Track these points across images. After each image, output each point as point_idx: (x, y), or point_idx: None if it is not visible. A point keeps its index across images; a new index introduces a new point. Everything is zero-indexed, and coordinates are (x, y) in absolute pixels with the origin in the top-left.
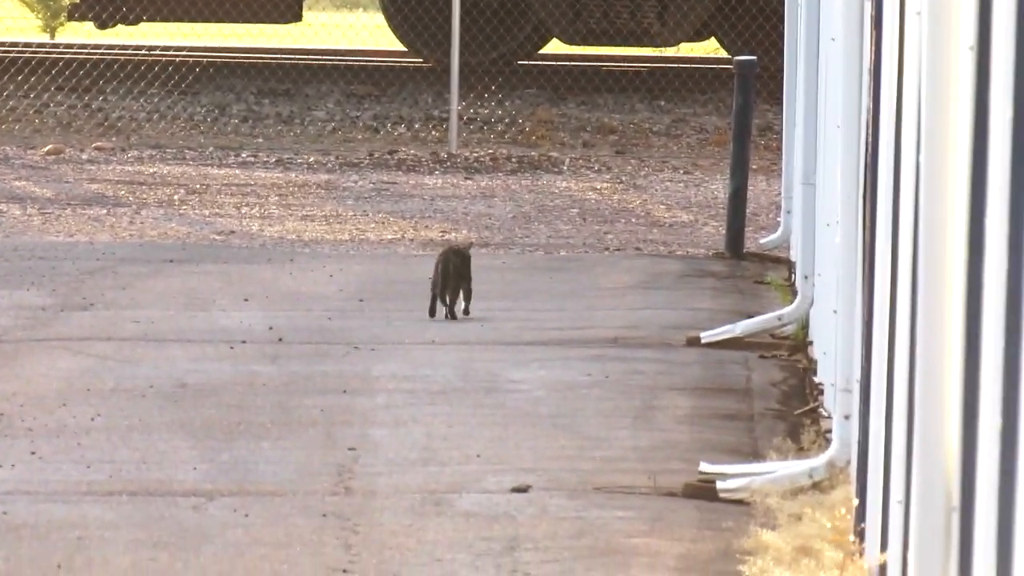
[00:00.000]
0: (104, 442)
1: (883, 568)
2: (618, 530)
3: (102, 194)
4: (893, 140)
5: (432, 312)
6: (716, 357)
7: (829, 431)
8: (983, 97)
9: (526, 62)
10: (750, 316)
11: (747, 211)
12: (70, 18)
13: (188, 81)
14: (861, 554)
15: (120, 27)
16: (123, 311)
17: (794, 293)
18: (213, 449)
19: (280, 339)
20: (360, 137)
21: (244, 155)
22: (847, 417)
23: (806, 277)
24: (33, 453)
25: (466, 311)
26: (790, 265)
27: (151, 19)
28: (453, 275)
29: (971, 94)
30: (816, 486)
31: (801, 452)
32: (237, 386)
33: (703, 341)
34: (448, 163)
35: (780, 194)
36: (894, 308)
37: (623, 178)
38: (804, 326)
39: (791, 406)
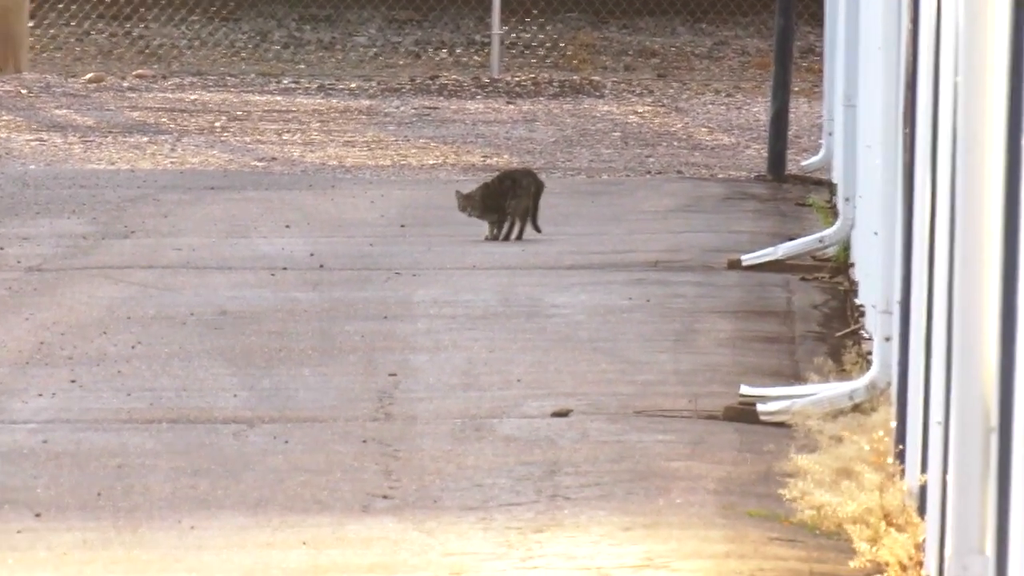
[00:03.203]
0: (144, 370)
1: (923, 489)
2: (659, 453)
3: (143, 122)
4: (932, 61)
5: (520, 236)
6: (757, 280)
7: (870, 353)
8: (1020, 17)
9: None
10: (791, 238)
11: (789, 133)
12: None
13: (229, 7)
14: (901, 475)
15: None
16: (164, 239)
17: (835, 215)
18: (253, 376)
19: (321, 265)
20: (401, 63)
21: (285, 81)
22: (888, 339)
23: (847, 199)
24: (73, 381)
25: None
26: (831, 187)
27: None
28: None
29: (1008, 14)
30: (857, 408)
31: (842, 374)
32: (278, 313)
33: (744, 264)
34: (490, 88)
35: (822, 116)
36: (933, 229)
37: (665, 101)
38: (845, 248)
39: (832, 328)
